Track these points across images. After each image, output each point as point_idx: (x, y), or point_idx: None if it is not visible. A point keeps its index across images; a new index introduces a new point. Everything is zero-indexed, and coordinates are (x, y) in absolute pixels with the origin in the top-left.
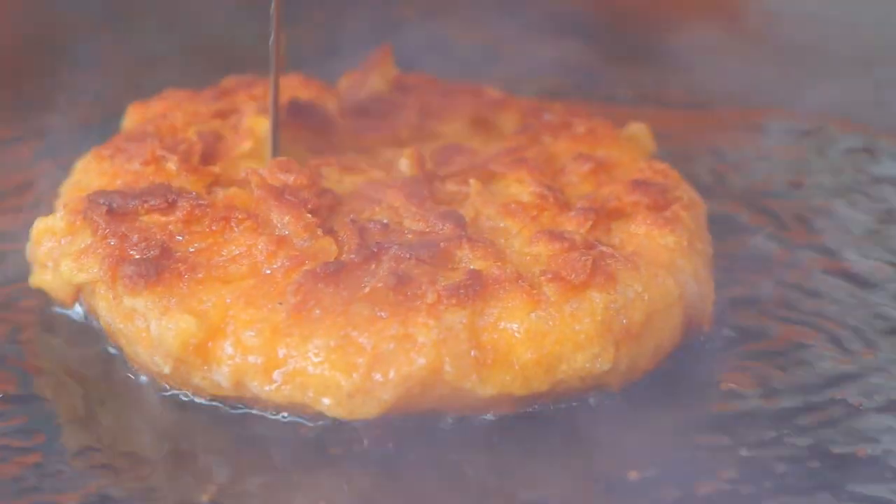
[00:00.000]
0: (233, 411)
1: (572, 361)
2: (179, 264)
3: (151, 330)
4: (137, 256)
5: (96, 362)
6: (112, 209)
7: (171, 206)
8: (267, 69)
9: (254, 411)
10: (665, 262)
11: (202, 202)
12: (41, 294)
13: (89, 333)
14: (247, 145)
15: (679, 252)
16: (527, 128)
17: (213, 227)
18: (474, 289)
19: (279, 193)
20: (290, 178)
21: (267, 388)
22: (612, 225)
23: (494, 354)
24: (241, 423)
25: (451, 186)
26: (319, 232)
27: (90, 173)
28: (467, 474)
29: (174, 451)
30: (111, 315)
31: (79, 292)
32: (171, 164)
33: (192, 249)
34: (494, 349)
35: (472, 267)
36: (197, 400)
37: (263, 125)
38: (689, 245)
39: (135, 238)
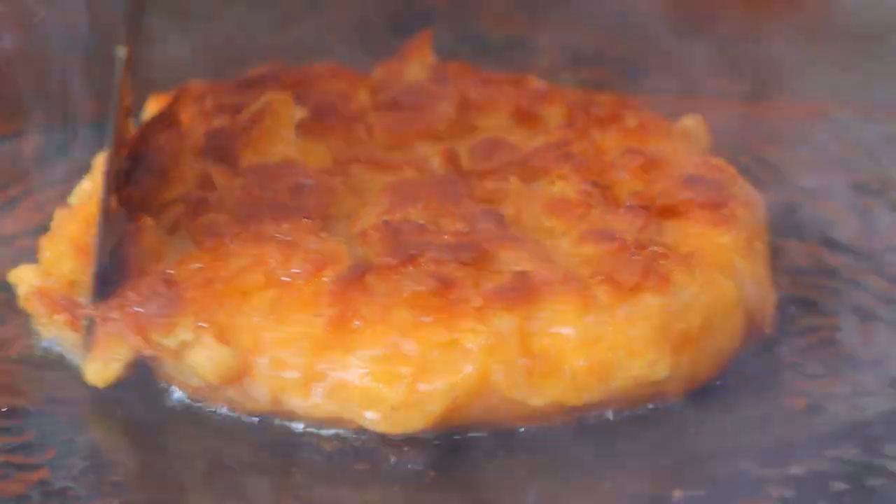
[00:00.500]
0: (249, 419)
1: (628, 369)
2: (195, 287)
3: (187, 360)
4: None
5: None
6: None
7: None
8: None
9: (275, 421)
10: (722, 262)
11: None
12: None
13: None
14: (268, 123)
15: (737, 252)
16: (573, 121)
17: (208, 245)
18: (522, 292)
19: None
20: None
21: (307, 403)
22: (664, 224)
23: (546, 362)
24: (263, 435)
25: (489, 184)
26: (324, 234)
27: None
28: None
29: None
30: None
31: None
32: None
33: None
34: (545, 356)
35: (517, 269)
36: (219, 412)
37: (287, 104)
38: (748, 245)
39: (132, 296)
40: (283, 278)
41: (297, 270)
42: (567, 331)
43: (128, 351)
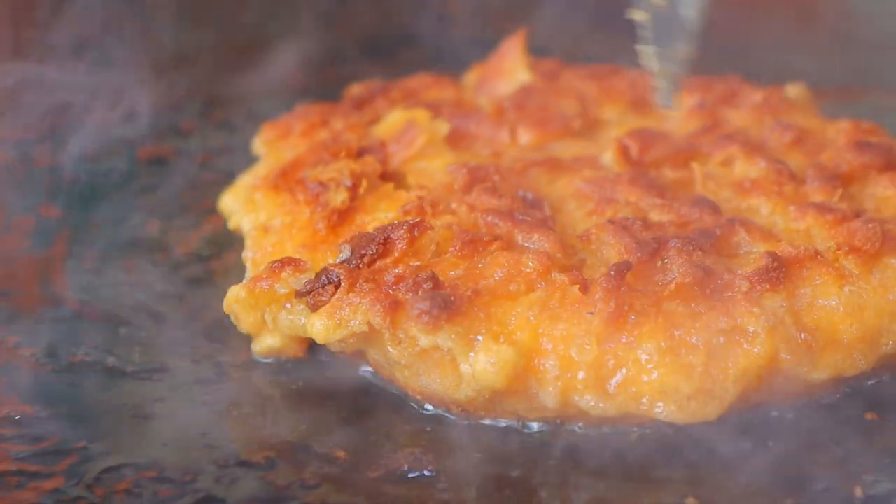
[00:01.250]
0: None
1: (892, 333)
2: (462, 292)
3: (463, 366)
4: (409, 296)
5: None
6: (350, 266)
7: (388, 244)
8: None
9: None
10: None
11: (422, 229)
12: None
13: None
14: (421, 140)
15: None
16: (703, 104)
17: (462, 253)
18: (781, 271)
19: (512, 215)
20: (499, 199)
21: (600, 403)
22: (852, 191)
23: (823, 335)
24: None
25: (669, 173)
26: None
27: (271, 213)
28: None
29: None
30: (395, 356)
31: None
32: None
33: (453, 274)
34: (821, 330)
35: (756, 250)
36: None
37: (426, 117)
38: None
39: (390, 278)
40: (540, 285)
41: (557, 275)
42: (834, 302)
43: (360, 325)
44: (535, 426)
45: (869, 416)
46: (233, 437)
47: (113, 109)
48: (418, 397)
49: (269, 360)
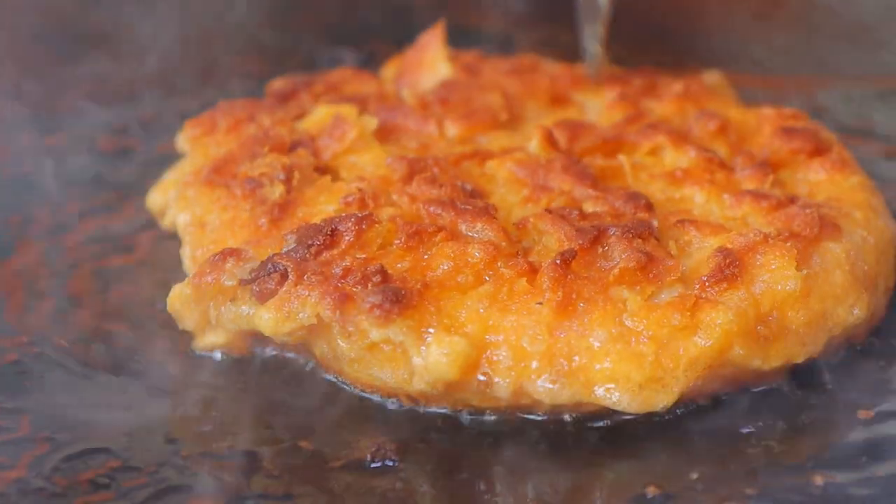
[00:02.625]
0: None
1: (836, 316)
2: (411, 285)
3: (415, 359)
4: (358, 289)
5: None
6: (296, 257)
7: (335, 235)
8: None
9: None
10: (863, 202)
11: (369, 222)
12: None
13: None
14: (352, 134)
15: (869, 191)
16: (624, 95)
17: (408, 245)
18: (736, 266)
19: (454, 205)
20: (439, 189)
21: (553, 392)
22: (783, 176)
23: (775, 324)
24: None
25: (598, 161)
26: (513, 229)
27: (207, 209)
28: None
29: None
30: (345, 349)
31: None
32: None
33: (400, 266)
34: (772, 319)
35: (708, 244)
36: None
37: (353, 112)
38: (869, 181)
39: (337, 271)
40: (490, 273)
41: (504, 268)
42: (789, 288)
43: (309, 318)
44: (491, 416)
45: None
46: (196, 429)
47: None
48: (367, 390)
49: (228, 356)
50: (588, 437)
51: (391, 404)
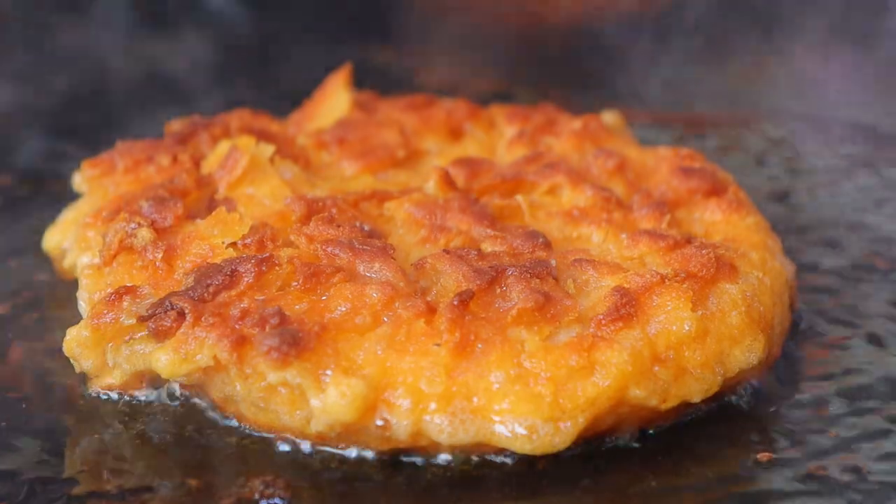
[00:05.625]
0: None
1: (733, 357)
2: (309, 327)
3: (313, 401)
4: (255, 331)
5: None
6: (194, 297)
7: (234, 276)
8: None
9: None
10: (759, 243)
11: (270, 264)
12: None
13: None
14: (244, 162)
15: (765, 232)
16: (523, 133)
17: (306, 286)
18: (632, 306)
19: (352, 245)
20: (337, 229)
21: (451, 433)
22: (679, 216)
23: (672, 365)
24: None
25: (497, 200)
26: (411, 270)
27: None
28: None
29: None
30: (242, 391)
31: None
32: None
33: (298, 308)
34: (670, 360)
35: (605, 284)
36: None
37: (251, 143)
38: (764, 223)
39: (235, 313)
40: (388, 315)
41: (401, 309)
42: (684, 329)
43: (206, 360)
44: (386, 456)
45: None
46: (81, 468)
47: None
48: (265, 432)
49: (122, 395)
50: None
51: (283, 444)
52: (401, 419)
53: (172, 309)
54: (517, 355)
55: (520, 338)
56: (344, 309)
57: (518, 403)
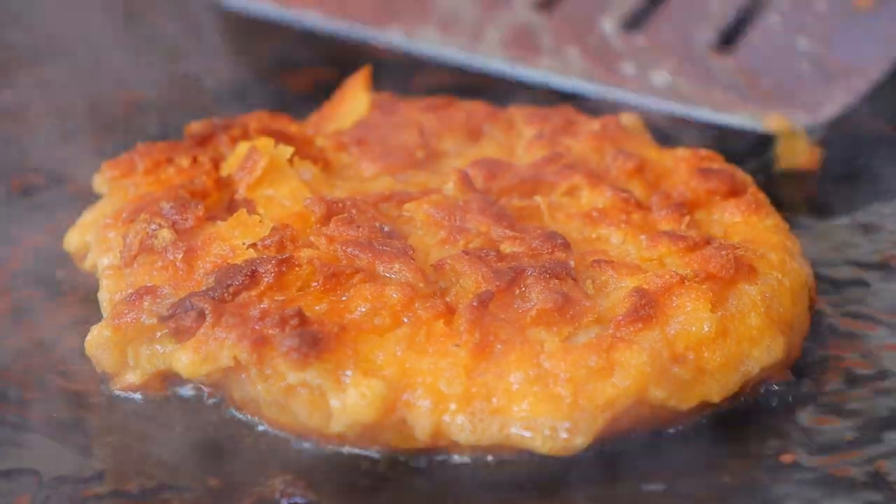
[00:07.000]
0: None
1: (752, 358)
2: (329, 328)
3: (333, 402)
4: (275, 332)
5: None
6: (214, 297)
7: (254, 277)
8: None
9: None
10: (778, 244)
11: (290, 265)
12: None
13: None
14: (263, 163)
15: (784, 233)
16: (541, 134)
17: (326, 287)
18: (651, 307)
19: (372, 246)
20: (356, 230)
21: (471, 434)
22: (698, 217)
23: (691, 365)
24: None
25: (516, 202)
26: (430, 271)
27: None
28: None
29: None
30: (262, 391)
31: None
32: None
33: (318, 308)
34: (689, 360)
35: (624, 285)
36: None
37: (270, 144)
38: (784, 223)
39: (255, 313)
40: (408, 315)
41: (421, 309)
42: (703, 330)
43: (226, 360)
44: (407, 456)
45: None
46: (104, 467)
47: None
48: (286, 432)
49: (143, 395)
50: (509, 477)
51: (303, 443)
52: (420, 420)
53: (193, 309)
54: (536, 356)
55: (539, 338)
56: (364, 310)
57: (537, 404)
